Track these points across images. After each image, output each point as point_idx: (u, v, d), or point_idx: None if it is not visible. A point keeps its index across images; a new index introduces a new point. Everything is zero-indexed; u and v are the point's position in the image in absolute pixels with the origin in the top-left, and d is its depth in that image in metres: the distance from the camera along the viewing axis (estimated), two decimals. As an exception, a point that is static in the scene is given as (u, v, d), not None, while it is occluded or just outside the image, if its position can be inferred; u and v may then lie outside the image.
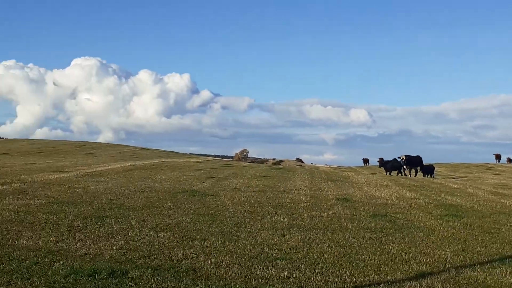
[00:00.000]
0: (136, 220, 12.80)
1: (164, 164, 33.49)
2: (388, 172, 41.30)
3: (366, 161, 66.96)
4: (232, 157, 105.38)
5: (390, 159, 43.08)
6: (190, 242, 10.57)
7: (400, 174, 39.41)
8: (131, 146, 69.61)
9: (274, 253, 9.89)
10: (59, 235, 10.74)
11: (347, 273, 8.75)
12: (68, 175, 23.61)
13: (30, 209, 13.91)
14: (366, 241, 11.36)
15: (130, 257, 9.24)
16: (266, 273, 8.57)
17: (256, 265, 9.00)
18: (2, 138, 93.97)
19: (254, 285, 7.94)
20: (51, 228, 11.52)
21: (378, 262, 9.55)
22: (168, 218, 13.20)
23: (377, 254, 10.17)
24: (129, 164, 33.23)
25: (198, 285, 7.81)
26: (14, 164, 30.55)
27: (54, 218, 12.71)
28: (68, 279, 7.77)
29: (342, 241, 11.23)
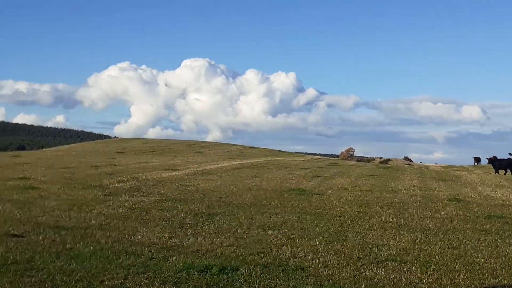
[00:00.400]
0: (245, 217, 13.04)
1: (270, 163, 33.88)
2: (497, 171, 38.53)
3: (477, 160, 63.13)
4: (337, 156, 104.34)
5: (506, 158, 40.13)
6: (297, 241, 10.56)
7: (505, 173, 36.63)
8: (238, 145, 71.19)
9: (383, 254, 9.62)
10: (172, 232, 11.19)
11: (461, 276, 8.31)
12: (179, 173, 24.61)
13: (144, 206, 14.66)
14: (481, 243, 10.74)
15: (239, 254, 9.41)
16: (376, 274, 8.35)
17: (365, 266, 8.81)
18: (117, 137, 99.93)
19: (363, 286, 7.77)
20: (164, 224, 12.05)
21: (494, 265, 9.00)
22: (275, 217, 13.30)
23: (493, 257, 9.58)
24: (237, 162, 34.00)
25: (306, 284, 7.78)
26: (128, 163, 32.39)
27: (167, 215, 13.28)
28: (181, 274, 8.05)
29: (455, 243, 10.69)
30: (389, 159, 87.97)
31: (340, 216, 13.60)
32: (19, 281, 7.46)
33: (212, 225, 12.02)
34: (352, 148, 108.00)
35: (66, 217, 12.59)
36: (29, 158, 37.85)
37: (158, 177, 22.25)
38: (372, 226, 12.33)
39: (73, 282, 7.49)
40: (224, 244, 10.10)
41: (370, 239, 10.92)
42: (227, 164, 32.11)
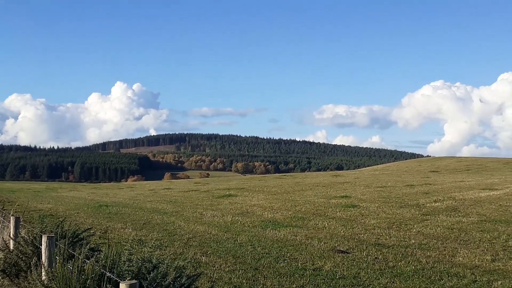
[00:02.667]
0: None
1: None
2: None
3: None
4: None
5: None
6: None
7: None
8: None
9: None
10: (494, 254, 10.47)
11: None
12: (498, 192, 22.80)
13: (463, 226, 14.06)
14: None
15: None
16: None
17: None
18: (430, 156, 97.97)
19: None
20: (486, 246, 11.34)
21: None
22: None
23: None
24: None
25: None
26: (444, 182, 31.45)
27: (488, 236, 12.47)
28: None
29: None
30: None
31: None
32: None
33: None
34: None
35: (386, 235, 13.00)
36: (348, 177, 40.27)
37: (475, 197, 21.05)
38: None
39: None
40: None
41: None
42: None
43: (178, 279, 5.29)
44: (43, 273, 6.18)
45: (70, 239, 7.17)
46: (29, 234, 8.21)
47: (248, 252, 11.02)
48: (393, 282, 8.52)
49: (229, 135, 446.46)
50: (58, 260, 5.82)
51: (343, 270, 9.37)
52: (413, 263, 9.77)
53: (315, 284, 8.32)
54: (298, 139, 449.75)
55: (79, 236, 7.74)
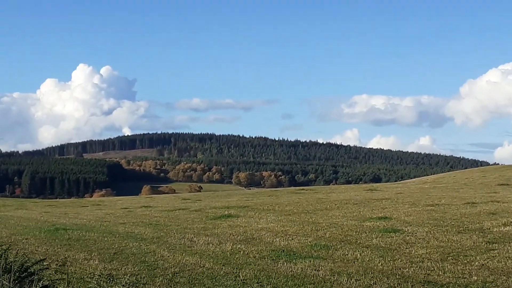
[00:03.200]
0: None
1: None
2: None
3: None
4: None
5: None
6: None
7: None
8: None
9: None
10: None
11: None
12: None
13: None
14: None
15: None
16: None
17: None
18: (498, 163, 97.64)
19: None
20: None
21: None
22: None
23: None
24: None
25: None
26: (517, 198, 31.27)
27: None
28: None
29: None
30: None
31: None
32: None
33: None
34: None
35: (438, 269, 12.97)
36: (388, 192, 40.22)
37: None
38: None
39: None
40: None
41: None
42: None
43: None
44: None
45: (17, 274, 7.20)
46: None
47: (254, 292, 11.02)
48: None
49: (228, 135, 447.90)
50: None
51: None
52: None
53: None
54: (320, 141, 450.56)
55: (29, 270, 7.77)
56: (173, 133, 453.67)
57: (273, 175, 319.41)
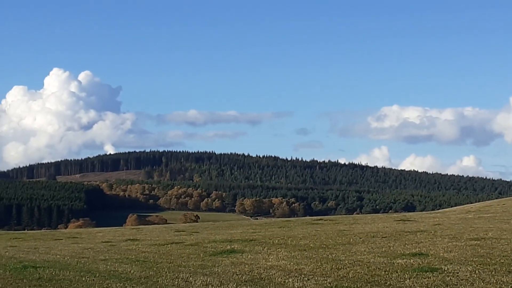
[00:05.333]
0: None
1: None
2: None
3: None
4: None
5: None
6: None
7: None
8: None
9: None
10: None
11: None
12: None
13: None
14: None
15: None
16: None
17: None
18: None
19: None
20: None
21: None
22: None
23: None
24: None
25: None
26: None
27: None
28: None
29: None
30: None
31: None
32: None
33: None
34: None
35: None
36: (423, 223, 40.12)
37: None
38: None
39: None
40: None
41: None
42: None
43: None
44: None
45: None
46: None
47: None
48: None
49: (231, 154, 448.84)
50: None
51: None
52: None
53: None
54: (342, 162, 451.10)
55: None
56: (164, 151, 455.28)
57: (284, 202, 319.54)
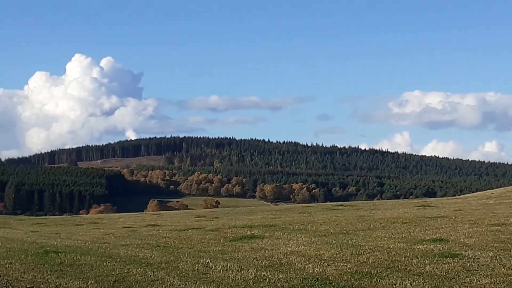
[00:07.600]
0: None
1: None
2: None
3: None
4: None
5: None
6: None
7: None
8: None
9: None
10: None
11: None
12: None
13: None
14: None
15: None
16: None
17: None
18: None
19: None
20: None
21: None
22: None
23: None
24: None
25: None
26: None
27: None
28: None
29: None
30: None
31: None
32: None
33: None
34: None
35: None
36: (444, 208, 39.96)
37: None
38: None
39: None
40: None
41: None
42: None
43: None
44: None
45: (-1, 305, 7.28)
46: None
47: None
48: None
49: (251, 140, 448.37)
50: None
51: None
52: None
53: None
54: (363, 147, 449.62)
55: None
56: (185, 137, 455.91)
57: (305, 188, 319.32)
